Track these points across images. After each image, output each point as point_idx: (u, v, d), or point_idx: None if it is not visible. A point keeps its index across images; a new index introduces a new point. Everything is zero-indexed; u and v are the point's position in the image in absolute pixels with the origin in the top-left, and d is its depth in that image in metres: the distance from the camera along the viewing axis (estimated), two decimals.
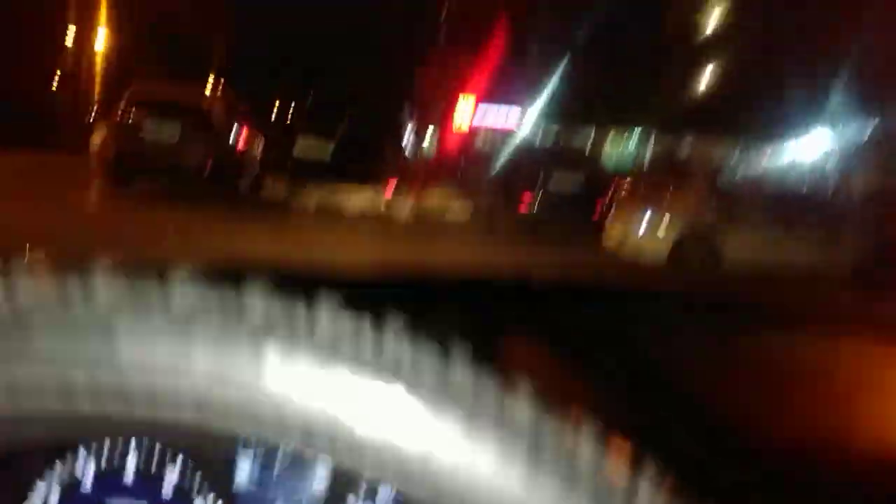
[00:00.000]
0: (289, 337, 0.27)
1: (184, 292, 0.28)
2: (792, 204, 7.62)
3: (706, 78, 18.79)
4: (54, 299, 0.27)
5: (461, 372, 0.28)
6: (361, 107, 9.73)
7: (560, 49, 16.89)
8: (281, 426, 0.28)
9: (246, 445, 0.77)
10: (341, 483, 0.77)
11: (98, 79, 16.08)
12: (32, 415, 0.28)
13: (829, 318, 1.15)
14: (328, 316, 0.28)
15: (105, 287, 0.27)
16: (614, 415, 0.80)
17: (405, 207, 8.42)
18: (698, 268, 6.80)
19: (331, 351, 0.27)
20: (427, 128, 18.88)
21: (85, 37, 16.11)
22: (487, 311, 1.01)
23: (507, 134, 16.96)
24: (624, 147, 19.56)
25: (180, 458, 0.75)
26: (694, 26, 19.33)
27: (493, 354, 0.86)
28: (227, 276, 0.29)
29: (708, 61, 18.67)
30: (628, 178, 9.58)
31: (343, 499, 0.78)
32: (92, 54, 16.11)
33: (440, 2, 20.88)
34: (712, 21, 19.59)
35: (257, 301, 0.28)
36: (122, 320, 0.27)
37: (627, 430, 0.30)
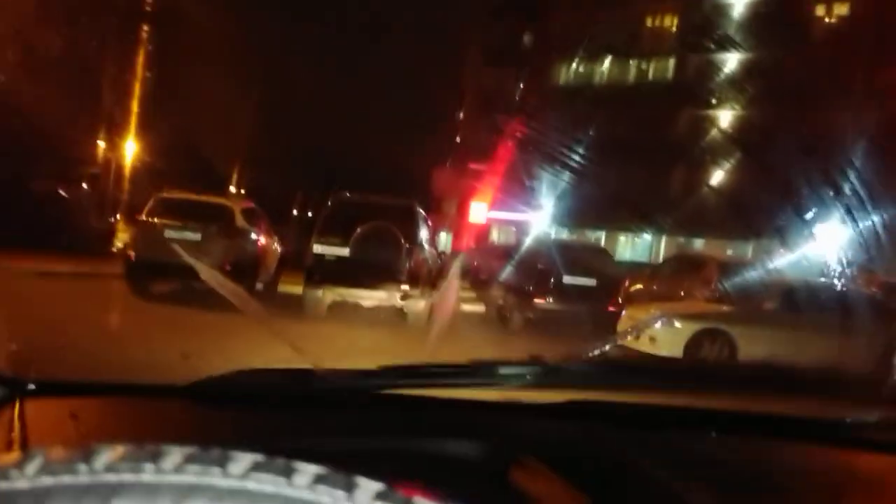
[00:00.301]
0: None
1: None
2: (808, 298, 7.61)
3: (718, 175, 19.09)
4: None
5: None
6: (378, 206, 9.98)
7: (571, 149, 17.32)
8: None
9: None
10: None
11: (124, 185, 16.69)
12: None
13: (845, 430, 1.16)
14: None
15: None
16: None
17: (421, 304, 8.49)
18: (713, 362, 6.73)
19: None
20: (443, 226, 19.23)
21: (113, 146, 16.82)
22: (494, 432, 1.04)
23: (520, 231, 17.18)
24: (638, 242, 19.69)
25: None
26: (704, 126, 19.82)
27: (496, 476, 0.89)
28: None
29: (718, 159, 19.01)
30: (642, 273, 9.64)
31: None
32: (120, 161, 16.78)
33: (456, 106, 21.67)
34: (722, 119, 20.09)
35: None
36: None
37: None
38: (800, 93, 16.04)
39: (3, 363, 1.12)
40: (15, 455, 0.29)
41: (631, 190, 16.77)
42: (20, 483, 0.28)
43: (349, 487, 0.29)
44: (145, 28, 14.60)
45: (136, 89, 16.07)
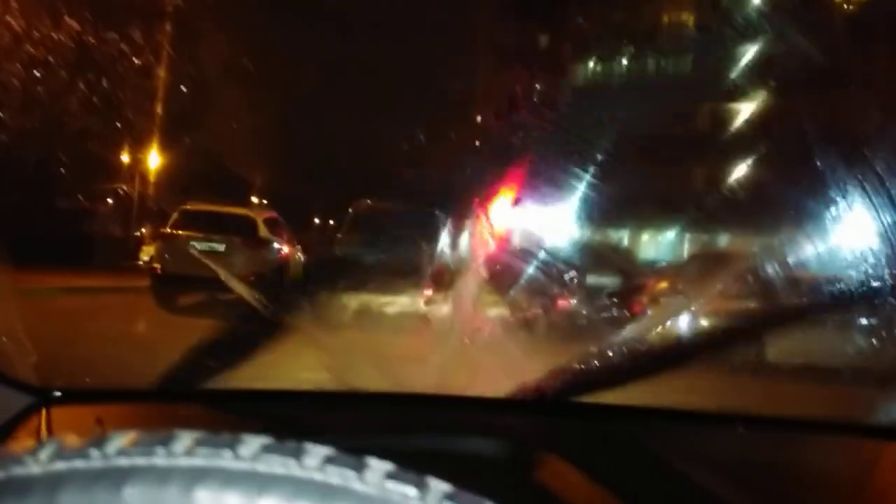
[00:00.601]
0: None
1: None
2: (838, 293, 7.48)
3: (744, 169, 18.89)
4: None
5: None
6: (399, 213, 10.02)
7: (593, 148, 17.24)
8: None
9: None
10: None
11: (148, 198, 16.90)
12: None
13: (876, 424, 1.13)
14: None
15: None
16: None
17: (444, 309, 8.50)
18: (741, 363, 6.65)
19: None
20: (463, 231, 19.24)
21: (136, 160, 17.05)
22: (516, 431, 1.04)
23: (542, 233, 17.13)
24: (662, 240, 19.54)
25: None
26: (728, 119, 19.64)
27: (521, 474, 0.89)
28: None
29: (743, 153, 18.83)
30: (667, 272, 9.55)
31: None
32: (144, 175, 16.99)
33: (475, 108, 21.67)
34: (747, 112, 19.89)
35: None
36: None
37: None
38: (828, 82, 15.81)
39: (30, 373, 1.14)
40: (29, 443, 0.30)
41: (654, 187, 16.64)
42: (34, 469, 0.28)
43: (359, 468, 0.29)
44: (167, 40, 14.81)
45: (159, 102, 16.29)
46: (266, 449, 0.29)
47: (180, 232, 8.94)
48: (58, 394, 1.10)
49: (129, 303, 9.03)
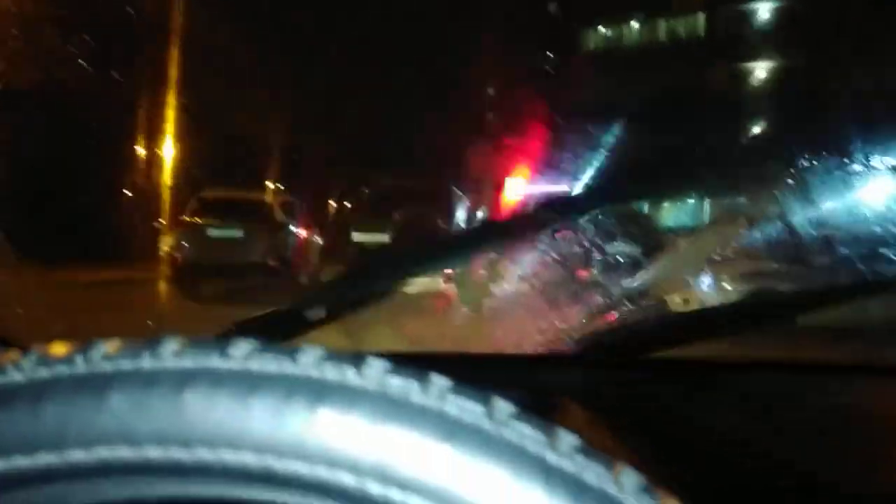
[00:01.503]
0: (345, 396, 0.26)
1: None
2: (863, 250, 7.33)
3: (762, 130, 18.60)
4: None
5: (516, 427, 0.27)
6: (414, 191, 9.99)
7: (606, 118, 17.05)
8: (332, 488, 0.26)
9: None
10: None
11: (164, 188, 16.97)
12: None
13: None
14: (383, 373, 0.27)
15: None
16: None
17: (464, 283, 8.49)
18: (769, 322, 6.55)
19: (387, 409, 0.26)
20: (480, 204, 19.15)
21: (151, 149, 17.11)
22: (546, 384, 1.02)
23: (559, 205, 17.01)
24: (681, 206, 19.35)
25: None
26: (743, 80, 19.31)
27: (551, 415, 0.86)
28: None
29: (760, 114, 18.53)
30: (688, 237, 9.40)
31: None
32: (159, 164, 17.06)
33: (485, 81, 21.49)
34: (762, 72, 19.54)
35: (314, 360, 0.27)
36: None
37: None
38: (845, 39, 15.47)
39: None
40: (13, 353, 0.29)
41: (670, 153, 16.43)
42: (17, 377, 0.28)
43: (358, 363, 0.27)
44: (177, 25, 14.76)
45: (171, 91, 16.28)
46: (258, 350, 0.28)
47: (198, 219, 8.98)
48: None
49: (150, 294, 9.11)
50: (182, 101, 16.21)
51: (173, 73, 15.77)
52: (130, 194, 16.56)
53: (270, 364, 0.27)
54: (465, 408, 0.27)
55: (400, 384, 0.27)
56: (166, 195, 16.75)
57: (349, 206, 18.46)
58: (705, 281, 7.09)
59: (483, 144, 21.14)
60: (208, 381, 0.26)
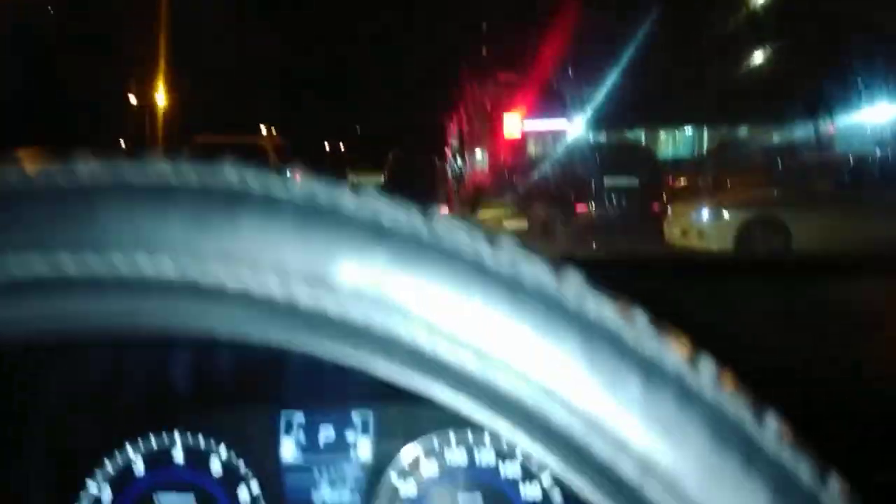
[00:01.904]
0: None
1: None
2: (863, 176, 7.25)
3: (758, 58, 18.30)
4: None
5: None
6: (410, 131, 9.86)
7: (605, 51, 16.74)
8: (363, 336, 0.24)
9: (288, 430, 0.78)
10: (383, 458, 0.77)
11: (159, 133, 16.82)
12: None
13: None
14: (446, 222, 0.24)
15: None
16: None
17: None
18: (767, 253, 6.53)
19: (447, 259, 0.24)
20: (477, 144, 18.97)
21: (146, 92, 16.88)
22: None
23: (557, 140, 16.86)
24: (680, 137, 19.20)
25: (223, 447, 0.77)
26: (738, 7, 18.90)
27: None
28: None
29: (756, 42, 18.19)
30: (687, 168, 9.36)
31: (384, 473, 0.78)
32: (153, 110, 16.85)
33: (480, 16, 21.06)
34: (760, 5, 19.12)
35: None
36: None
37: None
38: None
39: None
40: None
41: (667, 83, 16.17)
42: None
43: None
44: None
45: (161, 36, 15.94)
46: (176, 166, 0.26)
47: None
48: None
49: None
50: (169, 48, 15.93)
51: (162, 16, 15.45)
52: (125, 143, 16.43)
53: (190, 175, 0.26)
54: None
55: (327, 192, 0.25)
56: (162, 141, 16.62)
57: (344, 149, 18.32)
58: (706, 211, 7.05)
59: (478, 79, 20.82)
60: (124, 193, 0.25)
